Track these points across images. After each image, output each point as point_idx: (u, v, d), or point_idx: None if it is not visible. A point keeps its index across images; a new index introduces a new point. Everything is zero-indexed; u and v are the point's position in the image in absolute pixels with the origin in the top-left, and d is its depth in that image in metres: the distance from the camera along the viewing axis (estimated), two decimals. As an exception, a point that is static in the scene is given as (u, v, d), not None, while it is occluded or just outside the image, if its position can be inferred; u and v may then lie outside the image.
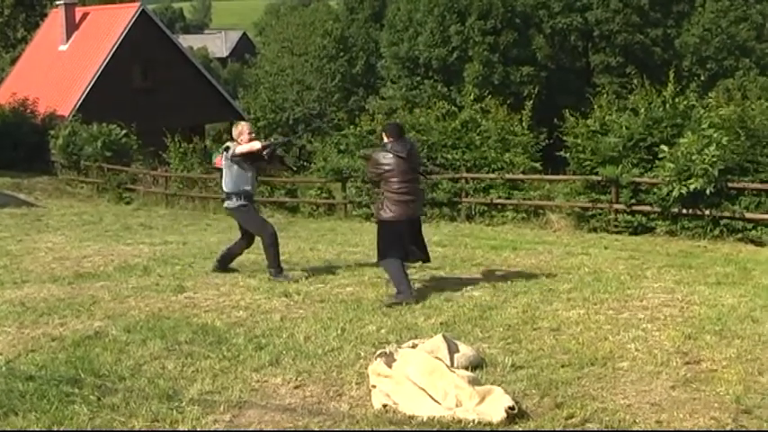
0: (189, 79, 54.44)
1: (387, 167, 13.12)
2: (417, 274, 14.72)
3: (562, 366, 9.22)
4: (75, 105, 48.67)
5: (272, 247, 14.76)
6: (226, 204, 15.24)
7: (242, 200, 14.82)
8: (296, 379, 9.05)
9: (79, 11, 56.23)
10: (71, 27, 54.55)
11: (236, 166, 14.74)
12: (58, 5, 56.78)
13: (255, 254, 17.29)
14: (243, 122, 15.94)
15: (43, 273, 16.28)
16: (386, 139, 13.46)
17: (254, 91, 76.09)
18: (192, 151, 34.58)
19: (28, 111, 43.80)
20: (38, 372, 9.43)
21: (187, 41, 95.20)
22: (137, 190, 34.62)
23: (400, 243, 13.24)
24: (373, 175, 14.00)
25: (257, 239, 15.11)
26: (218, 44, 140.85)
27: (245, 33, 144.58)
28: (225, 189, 15.04)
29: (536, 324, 11.04)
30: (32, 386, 8.82)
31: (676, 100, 23.56)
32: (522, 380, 8.79)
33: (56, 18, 56.10)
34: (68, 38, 54.33)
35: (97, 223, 26.22)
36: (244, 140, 14.85)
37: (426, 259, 14.05)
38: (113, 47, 51.47)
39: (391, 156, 13.11)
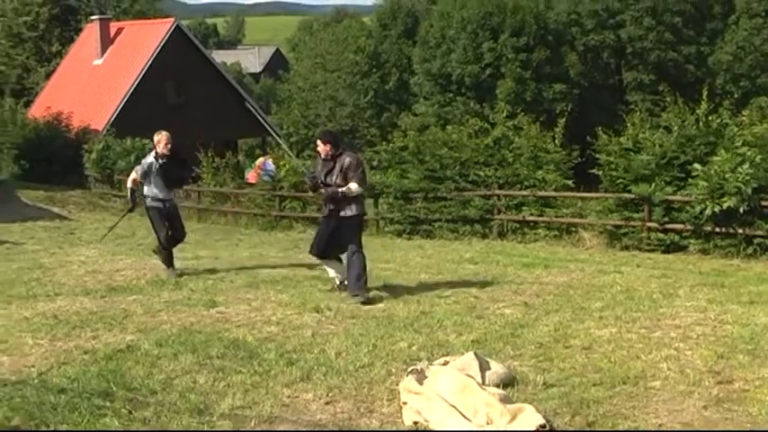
0: (222, 95, 54.63)
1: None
2: (450, 290, 14.73)
3: (594, 385, 9.19)
4: (109, 120, 48.93)
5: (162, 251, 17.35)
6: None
7: (155, 202, 16.99)
8: (327, 395, 9.05)
9: (114, 26, 56.57)
10: (106, 42, 54.87)
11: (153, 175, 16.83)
12: (92, 20, 57.19)
13: (287, 269, 17.40)
14: (163, 132, 17.14)
15: (76, 286, 16.35)
16: (333, 150, 14.36)
17: (287, 106, 76.31)
18: (224, 166, 34.69)
19: (62, 125, 44.03)
20: (70, 384, 9.45)
21: (220, 57, 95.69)
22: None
23: None
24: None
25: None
26: (251, 60, 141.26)
27: (278, 49, 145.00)
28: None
29: (568, 342, 11.00)
30: (64, 399, 8.84)
31: (709, 118, 23.42)
32: (554, 398, 8.76)
33: (91, 33, 56.44)
34: (103, 53, 54.64)
35: (130, 237, 26.31)
36: (160, 148, 16.77)
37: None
38: (147, 62, 51.74)
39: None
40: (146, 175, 16.90)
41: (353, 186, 14.14)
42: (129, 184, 17.31)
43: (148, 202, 17.22)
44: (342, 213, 14.23)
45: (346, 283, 14.55)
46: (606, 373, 9.59)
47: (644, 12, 66.64)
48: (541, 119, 31.53)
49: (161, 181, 16.91)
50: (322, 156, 14.46)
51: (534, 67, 62.89)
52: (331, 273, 15.00)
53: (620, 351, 10.50)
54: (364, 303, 13.68)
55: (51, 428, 8.09)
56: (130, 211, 18.64)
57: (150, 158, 16.95)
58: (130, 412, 8.47)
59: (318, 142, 14.59)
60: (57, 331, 12.15)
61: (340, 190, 14.16)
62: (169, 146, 16.88)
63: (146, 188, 17.08)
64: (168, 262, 17.35)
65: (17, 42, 66.17)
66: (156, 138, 17.11)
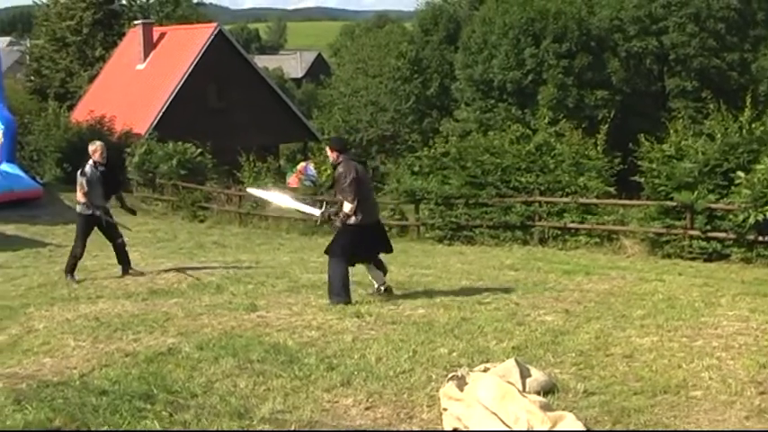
0: (264, 99, 54.77)
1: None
2: (490, 297, 14.72)
3: (635, 394, 9.14)
4: (152, 124, 49.17)
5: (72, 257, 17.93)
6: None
7: (88, 210, 17.65)
8: (367, 400, 9.06)
9: (157, 30, 56.83)
10: (149, 46, 55.14)
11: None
12: (136, 25, 57.49)
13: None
14: (98, 142, 18.15)
15: (118, 288, 16.48)
16: (336, 157, 14.48)
17: (329, 111, 76.27)
18: (265, 171, 34.79)
19: (105, 128, 44.24)
20: (111, 386, 9.52)
21: (262, 62, 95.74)
22: (211, 208, 34.85)
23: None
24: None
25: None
26: (293, 65, 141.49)
27: (319, 54, 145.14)
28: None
29: (609, 350, 10.95)
30: (105, 400, 8.91)
31: (753, 125, 23.29)
32: (595, 406, 8.73)
33: (134, 37, 56.73)
34: (146, 57, 54.91)
35: (171, 241, 26.48)
36: (96, 157, 17.52)
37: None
38: (190, 66, 51.95)
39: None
40: (90, 183, 17.53)
41: (345, 208, 14.26)
42: (82, 200, 17.77)
43: (80, 209, 17.94)
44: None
45: (383, 288, 14.73)
46: (647, 382, 9.55)
47: (687, 18, 66.18)
48: (583, 125, 31.50)
49: (101, 189, 17.72)
50: (331, 162, 14.69)
51: (576, 73, 62.56)
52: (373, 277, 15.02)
53: (662, 360, 10.45)
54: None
55: (92, 430, 8.14)
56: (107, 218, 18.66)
57: (89, 168, 17.59)
58: (171, 415, 8.52)
59: (327, 149, 14.69)
60: (98, 333, 12.25)
61: (338, 220, 14.57)
62: (104, 156, 17.68)
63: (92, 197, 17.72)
64: (71, 268, 17.91)
65: (61, 46, 66.53)
66: (91, 147, 17.82)
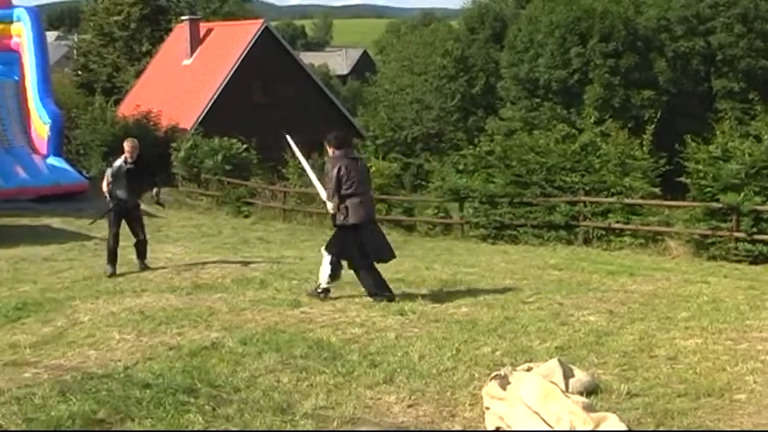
0: (309, 96, 54.84)
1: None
2: (534, 296, 14.69)
3: (678, 396, 9.09)
4: (198, 119, 49.36)
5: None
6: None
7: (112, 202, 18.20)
8: (409, 398, 9.05)
9: (203, 26, 57.07)
10: (195, 42, 55.36)
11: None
12: (182, 21, 57.75)
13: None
14: (131, 141, 18.71)
15: (162, 283, 16.56)
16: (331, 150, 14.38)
17: (374, 109, 76.31)
18: (310, 167, 34.82)
19: (151, 123, 44.48)
20: (155, 380, 9.57)
21: (308, 58, 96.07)
22: (255, 204, 34.93)
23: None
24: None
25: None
26: (338, 61, 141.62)
27: (365, 51, 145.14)
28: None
29: (652, 352, 10.89)
30: (149, 394, 8.96)
31: (800, 127, 23.16)
32: (638, 408, 8.69)
33: (180, 33, 56.99)
34: (192, 52, 55.13)
35: (216, 236, 26.58)
36: (126, 154, 18.12)
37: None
38: (236, 62, 52.11)
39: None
40: (116, 178, 18.12)
41: (327, 206, 14.33)
42: (104, 190, 18.39)
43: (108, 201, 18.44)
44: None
45: (323, 289, 14.55)
46: (691, 385, 9.49)
47: (735, 19, 65.86)
48: (629, 125, 31.35)
49: (125, 184, 18.11)
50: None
51: (623, 72, 62.39)
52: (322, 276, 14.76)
53: (706, 362, 10.38)
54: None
55: (136, 422, 8.19)
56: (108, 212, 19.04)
57: (118, 162, 18.33)
58: (214, 409, 8.56)
59: (326, 145, 14.60)
60: (143, 327, 12.33)
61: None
62: (134, 154, 18.18)
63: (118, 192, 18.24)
64: (110, 259, 18.17)
65: (108, 41, 66.98)
66: (125, 144, 18.56)
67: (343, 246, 14.28)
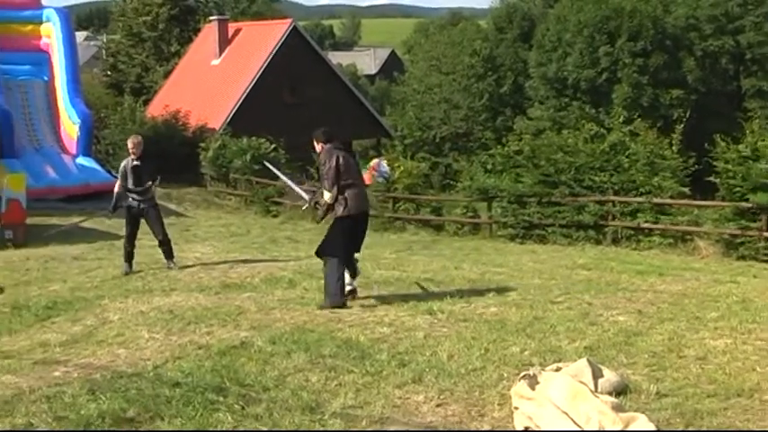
0: (337, 96, 54.87)
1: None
2: (563, 296, 14.66)
3: (708, 396, 9.05)
4: (226, 119, 49.48)
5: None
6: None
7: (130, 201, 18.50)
8: (438, 397, 9.04)
9: (232, 26, 57.21)
10: (224, 42, 55.51)
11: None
12: (211, 21, 57.92)
13: (400, 271, 17.43)
14: (132, 136, 19.20)
15: (191, 282, 16.62)
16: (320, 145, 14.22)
17: (402, 108, 76.34)
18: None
19: (180, 123, 44.70)
20: (184, 378, 9.59)
21: (336, 58, 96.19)
22: (283, 203, 34.98)
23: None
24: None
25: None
26: (366, 61, 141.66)
27: (393, 51, 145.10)
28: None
29: (682, 352, 10.84)
30: (178, 392, 8.98)
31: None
32: (667, 408, 8.65)
33: (209, 33, 57.16)
34: (221, 53, 55.28)
35: (244, 235, 26.66)
36: (131, 152, 18.40)
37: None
38: (264, 62, 52.20)
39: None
40: (123, 176, 18.48)
41: (325, 196, 14.01)
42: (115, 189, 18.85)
43: (127, 201, 18.61)
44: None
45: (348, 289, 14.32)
46: (721, 385, 9.45)
47: (764, 17, 65.52)
48: (658, 125, 31.21)
49: (131, 180, 18.37)
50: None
51: (651, 72, 62.18)
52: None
53: (736, 363, 10.33)
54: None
55: (165, 421, 8.22)
56: (113, 211, 19.46)
57: (125, 160, 18.71)
58: (243, 408, 8.57)
59: (314, 142, 14.44)
60: (172, 326, 12.38)
61: (321, 209, 14.29)
62: (136, 149, 18.41)
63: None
64: (126, 257, 18.46)
65: (137, 42, 67.29)
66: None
67: (336, 239, 14.04)
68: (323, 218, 14.49)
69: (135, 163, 18.24)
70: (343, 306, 13.68)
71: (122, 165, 18.57)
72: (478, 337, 11.40)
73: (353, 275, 14.42)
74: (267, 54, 52.47)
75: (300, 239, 26.16)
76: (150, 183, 18.40)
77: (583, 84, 63.00)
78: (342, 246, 13.98)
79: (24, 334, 12.77)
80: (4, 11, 36.71)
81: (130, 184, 18.29)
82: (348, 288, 14.23)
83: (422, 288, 15.81)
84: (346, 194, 13.82)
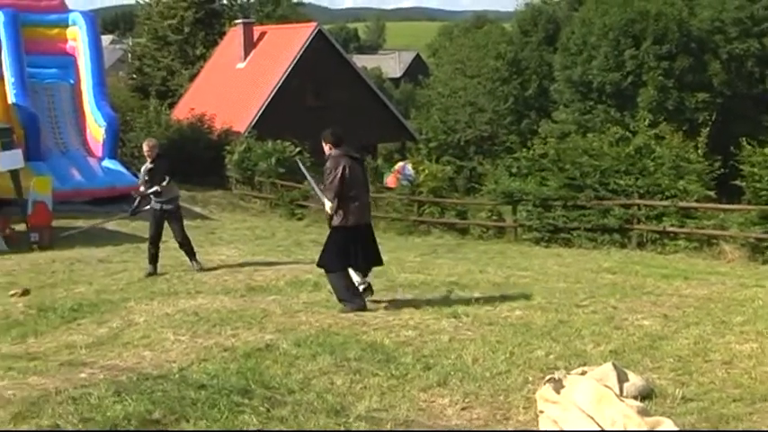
0: (362, 99, 54.90)
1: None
2: (588, 300, 14.63)
3: (733, 401, 9.03)
4: (251, 122, 49.57)
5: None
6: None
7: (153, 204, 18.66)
8: (463, 401, 9.06)
9: (257, 30, 57.33)
10: (249, 45, 55.64)
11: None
12: (236, 24, 58.05)
13: (425, 274, 17.42)
14: (147, 140, 19.63)
15: (216, 284, 16.66)
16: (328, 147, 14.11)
17: (426, 112, 76.29)
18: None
19: (205, 126, 44.83)
20: (209, 381, 9.63)
21: (361, 61, 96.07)
22: (308, 206, 35.01)
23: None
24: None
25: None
26: (391, 65, 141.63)
27: (418, 54, 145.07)
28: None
29: (707, 356, 10.82)
30: (204, 394, 9.02)
31: None
32: (692, 413, 8.64)
33: (234, 37, 57.29)
34: (246, 56, 55.40)
35: (269, 238, 26.68)
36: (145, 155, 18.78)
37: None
38: (289, 65, 52.27)
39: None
40: (143, 179, 18.78)
41: (326, 207, 13.94)
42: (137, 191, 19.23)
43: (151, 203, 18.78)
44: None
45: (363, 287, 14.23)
46: (746, 390, 9.43)
47: (790, 20, 65.39)
48: (683, 128, 31.11)
49: (150, 185, 18.52)
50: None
51: (677, 75, 61.98)
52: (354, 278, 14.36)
53: (762, 367, 10.30)
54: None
55: (191, 423, 8.25)
56: (133, 214, 19.89)
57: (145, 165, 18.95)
58: (268, 410, 8.60)
59: (323, 142, 14.32)
60: (197, 328, 12.42)
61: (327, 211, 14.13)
62: (150, 152, 18.61)
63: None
64: (150, 259, 18.59)
65: (162, 45, 67.41)
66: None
67: (332, 247, 13.95)
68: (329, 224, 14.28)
69: (149, 166, 18.46)
70: (364, 308, 13.68)
71: (142, 169, 18.93)
72: (503, 341, 11.40)
73: (365, 274, 14.29)
74: (292, 57, 52.55)
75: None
76: (156, 187, 18.42)
77: (608, 87, 62.83)
78: (335, 257, 13.91)
79: (50, 336, 12.82)
80: (30, 14, 36.85)
81: (144, 188, 18.62)
82: (362, 287, 14.17)
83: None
84: (347, 206, 13.74)
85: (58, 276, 18.69)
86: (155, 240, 18.47)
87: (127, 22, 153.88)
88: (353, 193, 13.76)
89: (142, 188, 18.70)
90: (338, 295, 13.92)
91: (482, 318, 13.00)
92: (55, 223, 25.25)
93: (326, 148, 14.14)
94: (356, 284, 14.09)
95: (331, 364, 10.30)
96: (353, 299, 13.79)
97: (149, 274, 18.02)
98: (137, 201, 19.15)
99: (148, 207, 18.85)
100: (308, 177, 16.58)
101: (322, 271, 15.70)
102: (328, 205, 13.77)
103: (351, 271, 14.13)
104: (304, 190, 35.71)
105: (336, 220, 13.82)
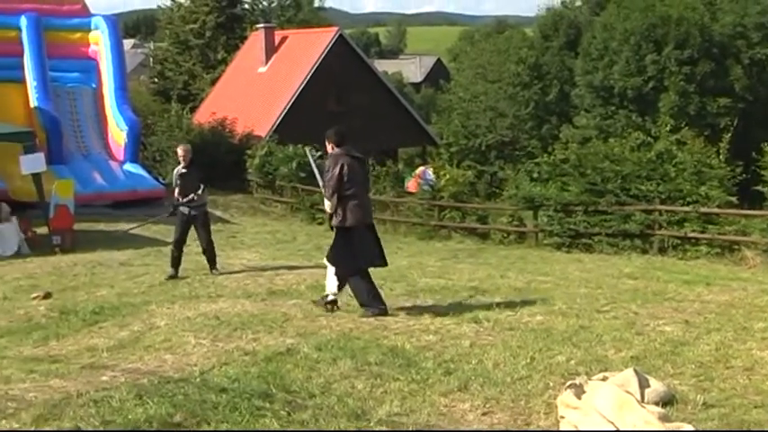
0: (383, 103, 54.87)
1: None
2: (609, 305, 14.61)
3: (755, 407, 9.00)
4: (272, 126, 49.58)
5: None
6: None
7: (182, 207, 18.87)
8: (484, 406, 9.05)
9: (278, 34, 57.37)
10: (270, 50, 55.68)
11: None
12: (257, 29, 58.11)
13: (445, 279, 17.42)
14: (181, 145, 20.22)
15: (237, 288, 16.70)
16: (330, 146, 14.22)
17: (447, 116, 76.15)
18: (384, 175, 34.95)
19: (226, 130, 44.87)
20: (230, 384, 9.63)
21: (382, 66, 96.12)
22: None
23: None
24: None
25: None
26: (412, 69, 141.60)
27: (439, 59, 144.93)
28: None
29: (729, 363, 10.79)
30: (225, 398, 9.03)
31: None
32: (714, 419, 8.62)
33: (255, 41, 57.36)
34: (267, 60, 55.46)
35: (290, 242, 26.72)
36: (180, 160, 19.11)
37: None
38: (311, 70, 52.27)
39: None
40: (174, 183, 19.16)
41: (325, 204, 13.93)
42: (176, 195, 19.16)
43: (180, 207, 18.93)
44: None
45: (330, 299, 14.12)
46: (768, 396, 9.41)
47: (813, 25, 65.12)
48: (705, 133, 31.01)
49: (180, 188, 18.86)
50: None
51: (698, 80, 61.77)
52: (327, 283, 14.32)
53: (783, 373, 10.29)
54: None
55: (212, 426, 8.27)
56: (171, 214, 19.67)
57: (176, 168, 19.39)
58: (289, 414, 8.60)
59: (326, 141, 14.38)
60: (218, 332, 12.43)
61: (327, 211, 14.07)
62: (185, 157, 19.04)
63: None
64: (172, 263, 18.73)
65: (184, 49, 67.61)
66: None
67: (338, 250, 13.91)
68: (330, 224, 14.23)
69: (182, 171, 18.53)
70: (385, 313, 13.64)
71: (174, 171, 19.17)
72: (524, 346, 11.38)
73: (341, 287, 14.17)
74: (313, 62, 52.57)
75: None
76: (192, 195, 18.48)
77: (629, 92, 62.65)
78: (341, 256, 13.88)
79: (72, 338, 12.86)
80: (52, 19, 37.04)
81: (176, 193, 18.68)
82: (330, 298, 14.12)
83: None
84: (345, 205, 13.67)
85: (80, 279, 18.77)
86: (179, 244, 18.53)
87: (148, 27, 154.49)
88: (352, 191, 13.68)
89: (180, 198, 18.69)
90: (359, 299, 13.90)
91: (503, 323, 12.99)
92: (76, 227, 25.35)
93: (329, 147, 14.22)
94: (333, 295, 14.08)
95: (352, 369, 10.30)
96: (374, 303, 13.76)
97: (170, 277, 18.08)
98: (175, 202, 19.12)
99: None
100: (314, 167, 16.57)
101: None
102: (327, 204, 13.77)
103: (330, 281, 14.11)
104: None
105: (336, 220, 13.81)
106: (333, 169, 13.67)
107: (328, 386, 9.68)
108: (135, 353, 11.53)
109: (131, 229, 24.91)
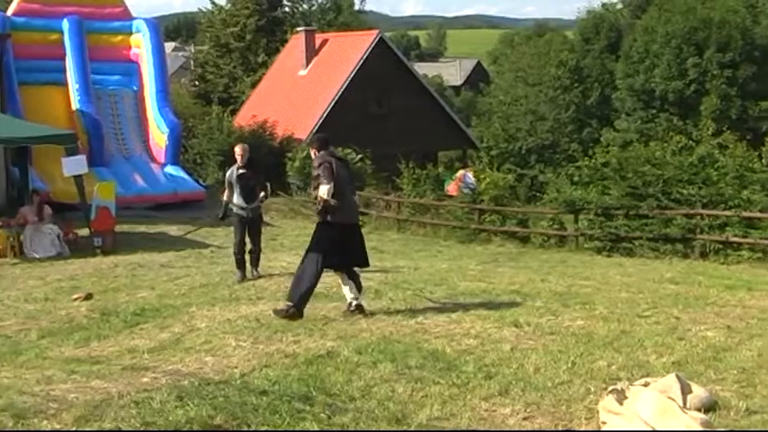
0: (423, 106, 54.80)
1: None
2: (650, 310, 14.53)
3: (799, 413, 8.94)
4: (313, 129, 49.56)
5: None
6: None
7: (238, 211, 18.48)
8: (525, 410, 9.01)
9: (319, 37, 57.43)
10: (311, 53, 55.74)
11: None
12: (298, 32, 58.19)
13: (486, 282, 17.37)
14: (239, 144, 19.58)
15: (277, 291, 16.68)
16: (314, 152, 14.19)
17: (488, 120, 76.07)
18: (424, 177, 34.92)
19: (267, 133, 45.03)
20: (271, 387, 9.64)
21: (422, 69, 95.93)
22: (369, 214, 34.97)
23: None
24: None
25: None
26: (452, 72, 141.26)
27: (479, 62, 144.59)
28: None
29: (772, 368, 10.72)
30: (265, 400, 9.03)
31: None
32: (756, 425, 8.55)
33: (296, 44, 57.45)
34: (308, 63, 55.52)
35: (330, 246, 26.68)
36: (237, 160, 18.49)
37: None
38: (351, 73, 52.27)
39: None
40: (230, 184, 18.56)
41: (321, 191, 13.63)
42: (223, 198, 18.95)
43: (234, 210, 18.66)
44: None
45: (354, 304, 14.09)
46: (812, 402, 9.33)
47: None
48: (747, 137, 30.79)
49: (238, 189, 18.41)
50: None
51: (740, 83, 61.46)
52: (345, 292, 14.34)
53: (827, 379, 10.20)
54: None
55: (252, 429, 8.27)
56: (221, 219, 19.95)
57: (231, 169, 18.80)
58: (329, 417, 8.60)
59: (310, 149, 14.44)
60: (259, 334, 12.44)
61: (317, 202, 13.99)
62: (245, 158, 18.52)
63: (234, 198, 18.56)
64: (238, 265, 18.54)
65: (224, 52, 67.93)
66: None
67: (320, 245, 13.85)
68: (320, 214, 14.10)
69: (241, 171, 18.36)
70: (294, 318, 13.45)
71: (228, 172, 18.75)
72: (565, 351, 11.33)
73: (359, 289, 14.23)
74: (353, 65, 52.59)
75: (386, 250, 26.15)
76: (263, 195, 18.52)
77: (670, 95, 62.42)
78: (318, 253, 13.81)
79: (113, 340, 12.91)
80: (94, 22, 37.28)
81: (236, 193, 18.40)
82: (355, 302, 14.08)
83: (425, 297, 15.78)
84: (336, 202, 13.67)
85: (121, 281, 18.83)
86: (241, 246, 18.47)
87: (189, 30, 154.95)
88: (339, 190, 13.67)
89: (237, 193, 18.47)
90: (293, 292, 13.76)
91: (544, 327, 12.93)
92: (118, 228, 25.47)
93: (313, 153, 14.32)
94: (355, 300, 14.08)
95: (392, 372, 10.28)
96: (300, 303, 13.63)
97: (240, 280, 18.02)
98: (224, 206, 19.08)
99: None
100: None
101: (383, 278, 15.71)
102: (324, 189, 13.52)
103: (346, 289, 14.18)
104: (365, 197, 35.72)
105: (323, 216, 13.84)
106: (323, 165, 13.68)
107: (368, 389, 9.67)
108: (175, 354, 11.55)
109: (188, 233, 24.98)
